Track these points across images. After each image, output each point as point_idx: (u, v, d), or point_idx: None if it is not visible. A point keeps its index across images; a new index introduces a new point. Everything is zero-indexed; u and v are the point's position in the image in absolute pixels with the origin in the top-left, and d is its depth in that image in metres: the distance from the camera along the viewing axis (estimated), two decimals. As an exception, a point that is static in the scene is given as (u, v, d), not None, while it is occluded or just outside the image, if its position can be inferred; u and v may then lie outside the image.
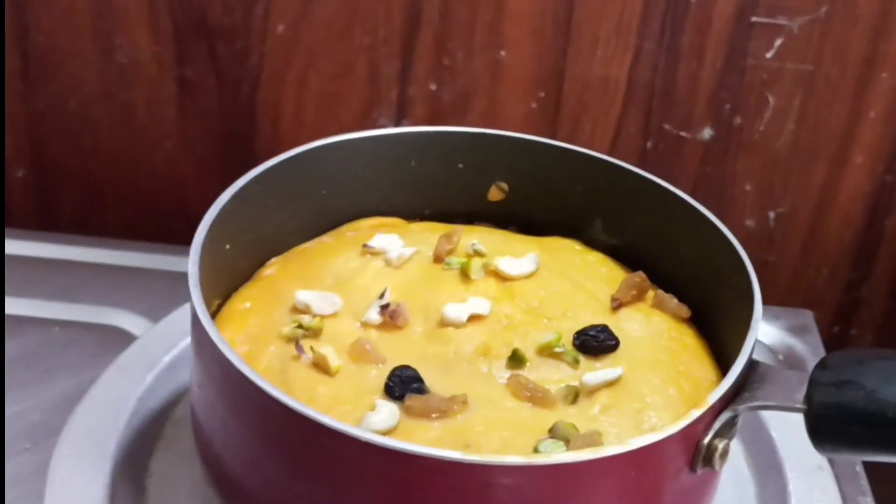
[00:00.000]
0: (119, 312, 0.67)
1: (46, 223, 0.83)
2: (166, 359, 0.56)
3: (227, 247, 0.51)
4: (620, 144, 0.74)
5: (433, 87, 0.75)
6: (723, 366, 0.50)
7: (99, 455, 0.50)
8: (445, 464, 0.38)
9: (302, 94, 0.78)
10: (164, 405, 0.55)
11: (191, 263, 0.46)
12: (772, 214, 0.76)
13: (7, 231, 0.74)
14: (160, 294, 0.68)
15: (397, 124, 0.79)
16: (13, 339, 0.65)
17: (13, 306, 0.67)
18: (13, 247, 0.72)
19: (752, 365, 0.44)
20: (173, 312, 0.59)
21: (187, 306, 0.60)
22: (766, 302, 0.47)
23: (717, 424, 0.42)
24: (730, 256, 0.50)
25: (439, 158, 0.58)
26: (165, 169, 0.81)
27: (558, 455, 0.40)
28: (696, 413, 0.41)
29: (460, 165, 0.58)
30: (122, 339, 0.64)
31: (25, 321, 0.66)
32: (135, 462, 0.52)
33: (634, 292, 0.53)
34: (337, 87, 0.77)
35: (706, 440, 0.42)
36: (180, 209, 0.82)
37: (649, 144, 0.74)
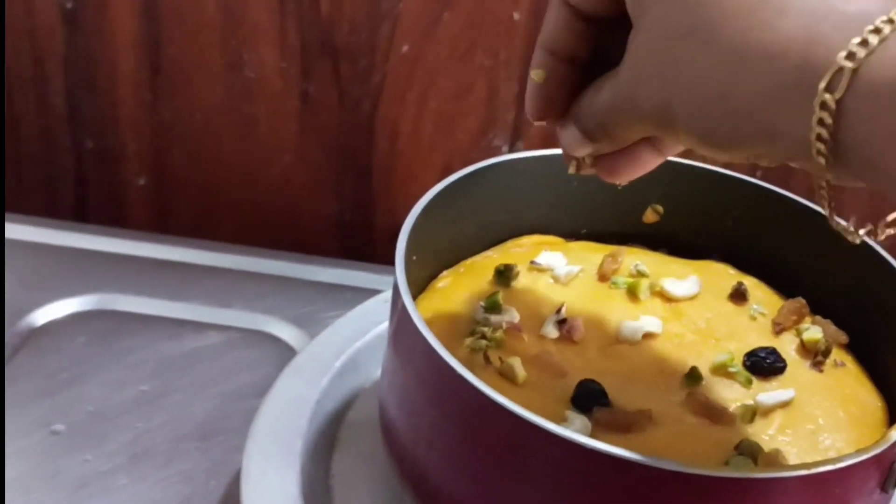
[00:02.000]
0: (269, 319, 0.71)
1: (162, 229, 0.86)
2: (337, 364, 0.59)
3: (414, 258, 0.53)
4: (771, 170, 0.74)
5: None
6: (882, 389, 0.53)
7: (288, 453, 0.53)
8: (673, 474, 0.40)
9: (421, 112, 0.80)
10: (338, 408, 0.58)
11: (398, 269, 0.48)
12: None
13: (125, 232, 0.79)
14: (304, 302, 0.72)
15: (512, 146, 0.82)
16: (174, 341, 0.69)
17: (169, 310, 0.71)
18: (127, 247, 0.77)
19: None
20: (337, 321, 0.62)
21: (348, 317, 0.63)
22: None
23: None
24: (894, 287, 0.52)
25: (600, 180, 0.60)
26: (281, 182, 0.84)
27: (780, 469, 0.41)
28: (893, 435, 0.43)
29: (619, 187, 0.60)
30: (273, 344, 0.67)
31: (183, 324, 0.70)
32: (318, 462, 0.54)
33: (794, 318, 0.55)
34: (455, 107, 0.80)
35: (901, 462, 0.44)
36: (292, 222, 0.85)
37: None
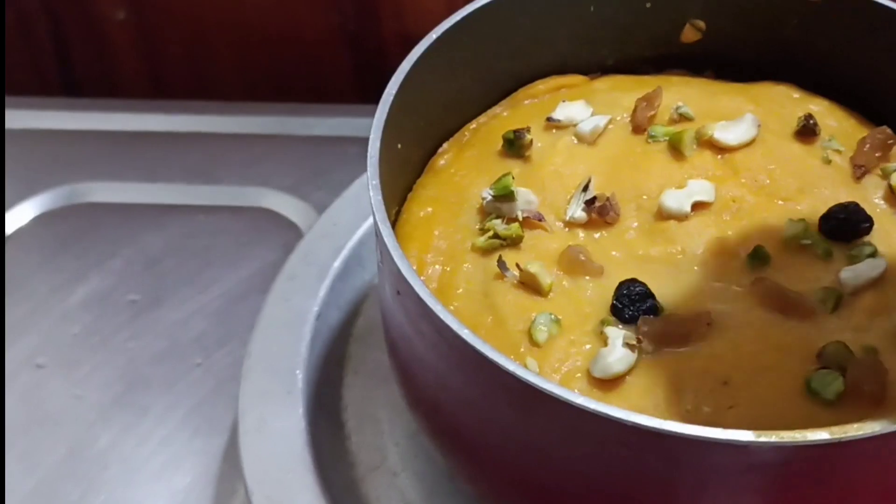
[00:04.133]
0: (264, 192, 0.61)
1: (156, 79, 0.75)
2: (336, 264, 0.50)
3: (399, 145, 0.43)
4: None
5: None
6: None
7: (287, 393, 0.45)
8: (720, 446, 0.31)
9: None
10: (344, 319, 0.49)
11: (371, 185, 0.38)
12: None
13: (117, 102, 0.68)
14: (303, 165, 0.61)
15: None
16: (155, 233, 0.60)
17: (148, 195, 0.61)
18: (126, 122, 0.66)
19: None
20: (334, 203, 0.52)
21: (347, 194, 0.54)
22: None
23: None
24: None
25: (622, -1, 0.48)
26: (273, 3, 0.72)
27: (871, 425, 0.32)
28: None
29: (647, 4, 0.49)
30: (273, 221, 0.58)
31: (165, 210, 0.61)
32: (327, 393, 0.46)
33: (878, 154, 0.44)
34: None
35: None
36: (293, 39, 0.73)
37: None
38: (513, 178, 0.43)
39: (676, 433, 0.31)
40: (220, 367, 0.54)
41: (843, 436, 0.30)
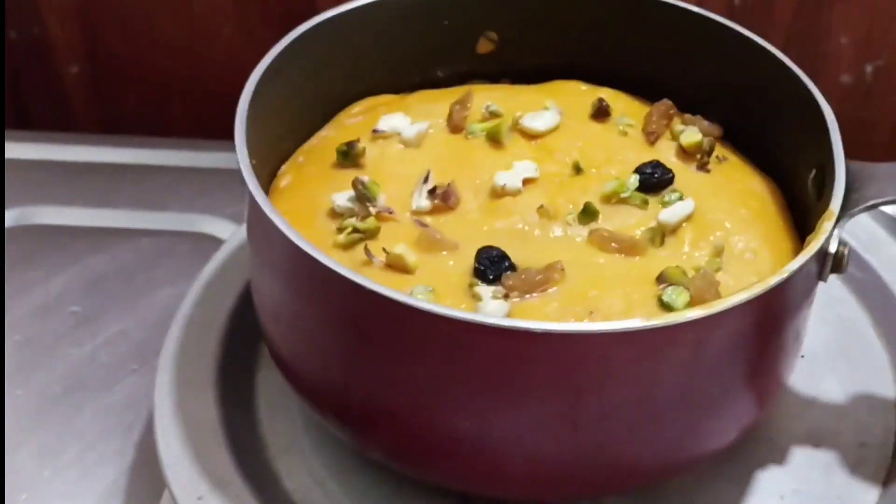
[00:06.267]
0: (206, 218, 0.64)
1: (110, 124, 0.77)
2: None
3: (253, 162, 0.46)
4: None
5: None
6: (768, 172, 0.50)
7: (202, 384, 0.48)
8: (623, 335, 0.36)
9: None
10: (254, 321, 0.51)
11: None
12: (869, 68, 0.71)
13: (72, 136, 0.71)
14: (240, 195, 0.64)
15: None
16: (103, 254, 0.62)
17: (96, 218, 0.64)
18: (79, 153, 0.69)
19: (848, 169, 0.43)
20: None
21: None
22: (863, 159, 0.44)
23: (836, 231, 0.41)
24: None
25: (422, 20, 0.53)
26: (225, 58, 0.74)
27: (735, 297, 0.38)
28: (828, 226, 0.40)
29: (445, 22, 0.54)
30: (216, 245, 0.59)
31: (111, 233, 0.63)
32: (241, 385, 0.49)
33: (665, 121, 0.51)
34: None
35: (832, 249, 0.42)
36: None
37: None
38: (361, 179, 0.46)
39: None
40: (155, 372, 0.55)
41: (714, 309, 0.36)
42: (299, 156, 0.51)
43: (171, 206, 0.65)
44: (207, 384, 0.47)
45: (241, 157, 0.43)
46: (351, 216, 0.46)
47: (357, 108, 0.53)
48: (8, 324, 0.57)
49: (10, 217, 0.64)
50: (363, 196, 0.46)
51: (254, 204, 0.42)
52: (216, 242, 0.61)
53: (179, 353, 0.49)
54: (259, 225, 0.43)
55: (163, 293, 0.60)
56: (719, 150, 0.50)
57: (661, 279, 0.43)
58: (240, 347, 0.51)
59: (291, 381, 0.46)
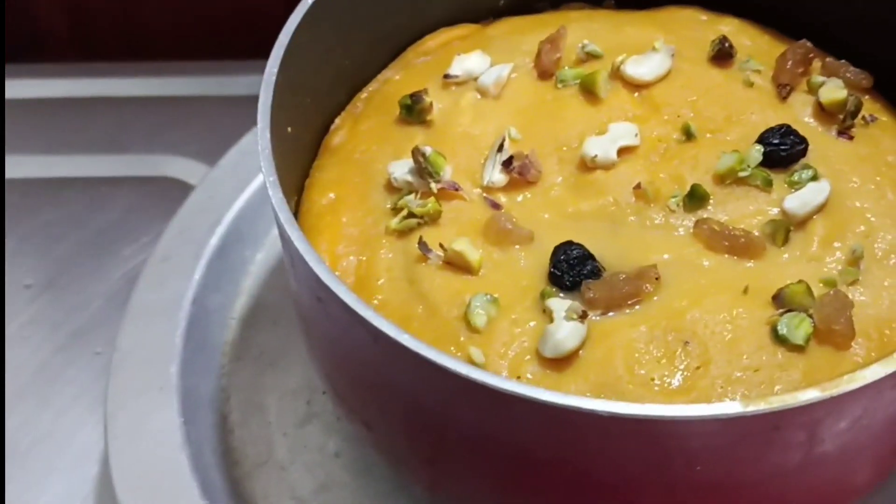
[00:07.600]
0: (170, 159, 0.56)
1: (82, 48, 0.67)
2: (213, 241, 0.45)
3: (290, 128, 0.38)
4: None
5: None
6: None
7: (160, 388, 0.41)
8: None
9: None
10: (224, 302, 0.45)
11: (269, 182, 0.34)
12: None
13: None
14: (213, 129, 0.55)
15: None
16: (56, 207, 0.55)
17: (45, 167, 0.56)
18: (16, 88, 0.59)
19: None
20: (210, 173, 0.47)
21: (223, 163, 0.49)
22: None
23: None
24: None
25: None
26: None
27: (870, 371, 0.29)
28: None
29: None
30: (180, 192, 0.52)
31: (65, 183, 0.56)
32: (206, 385, 0.43)
33: (801, 69, 0.41)
34: None
35: None
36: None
37: None
38: (420, 146, 0.39)
39: (659, 417, 0.27)
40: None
41: (835, 391, 0.28)
42: (357, 103, 0.43)
43: (129, 146, 0.57)
44: (167, 390, 0.41)
45: (274, 197, 0.33)
46: (409, 192, 0.39)
47: (430, 41, 0.45)
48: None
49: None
50: (424, 170, 0.38)
51: (305, 265, 0.32)
52: (183, 188, 0.53)
53: (133, 353, 0.42)
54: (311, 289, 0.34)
55: (128, 258, 0.53)
56: (868, 108, 0.41)
57: (779, 300, 0.35)
58: (204, 340, 0.44)
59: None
